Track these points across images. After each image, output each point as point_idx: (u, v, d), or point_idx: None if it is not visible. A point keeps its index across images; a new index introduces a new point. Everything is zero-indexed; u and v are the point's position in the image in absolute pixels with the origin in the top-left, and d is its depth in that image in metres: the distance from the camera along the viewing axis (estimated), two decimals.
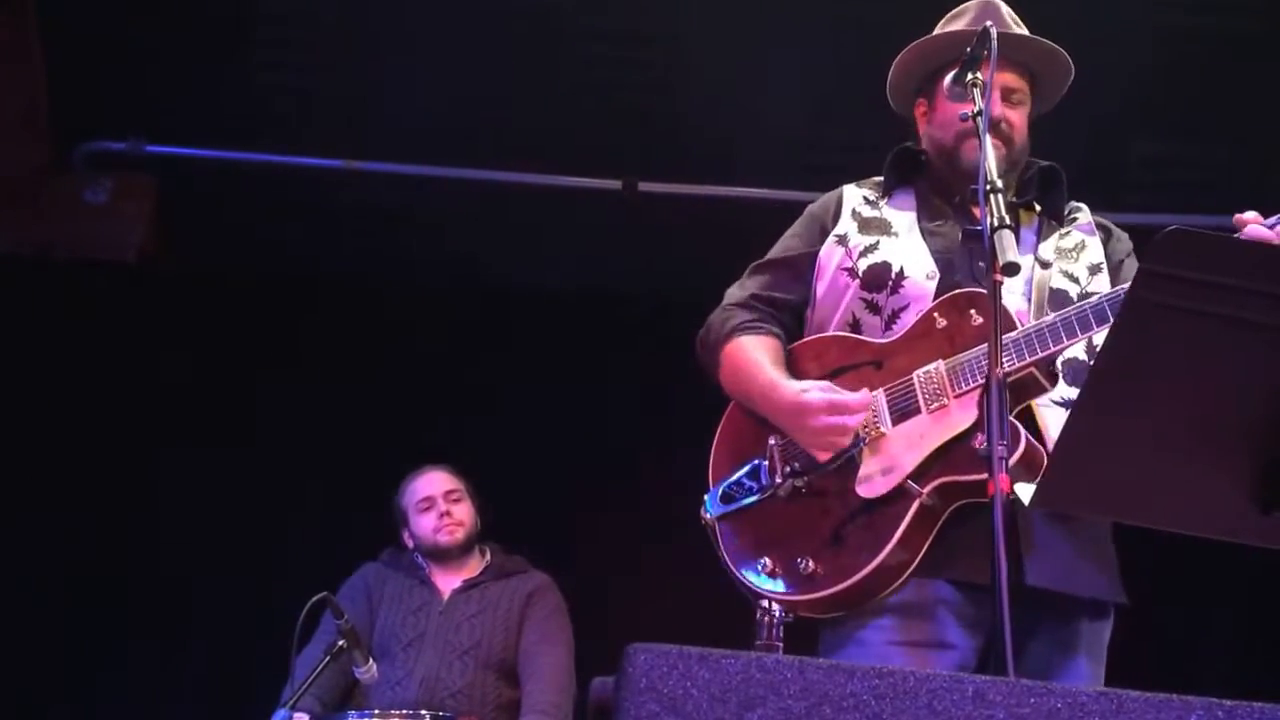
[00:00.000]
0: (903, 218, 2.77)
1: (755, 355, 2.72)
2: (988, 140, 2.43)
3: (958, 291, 2.60)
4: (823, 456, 2.56)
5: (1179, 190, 5.09)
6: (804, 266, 2.81)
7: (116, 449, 5.40)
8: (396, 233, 5.58)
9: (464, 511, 4.48)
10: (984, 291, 2.50)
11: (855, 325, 2.69)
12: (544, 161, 5.33)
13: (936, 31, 2.83)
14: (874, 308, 2.67)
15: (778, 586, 2.52)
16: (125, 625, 5.22)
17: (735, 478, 2.65)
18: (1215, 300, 1.76)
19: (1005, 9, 2.82)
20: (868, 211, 2.80)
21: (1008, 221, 2.32)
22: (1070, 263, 2.71)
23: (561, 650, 4.33)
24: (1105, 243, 2.78)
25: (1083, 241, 2.75)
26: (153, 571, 5.24)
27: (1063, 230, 2.77)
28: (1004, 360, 2.39)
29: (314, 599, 3.76)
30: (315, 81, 5.05)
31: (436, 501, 4.45)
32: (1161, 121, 4.91)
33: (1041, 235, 2.75)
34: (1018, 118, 2.76)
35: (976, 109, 2.48)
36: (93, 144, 5.35)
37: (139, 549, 5.29)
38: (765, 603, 2.43)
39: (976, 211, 2.70)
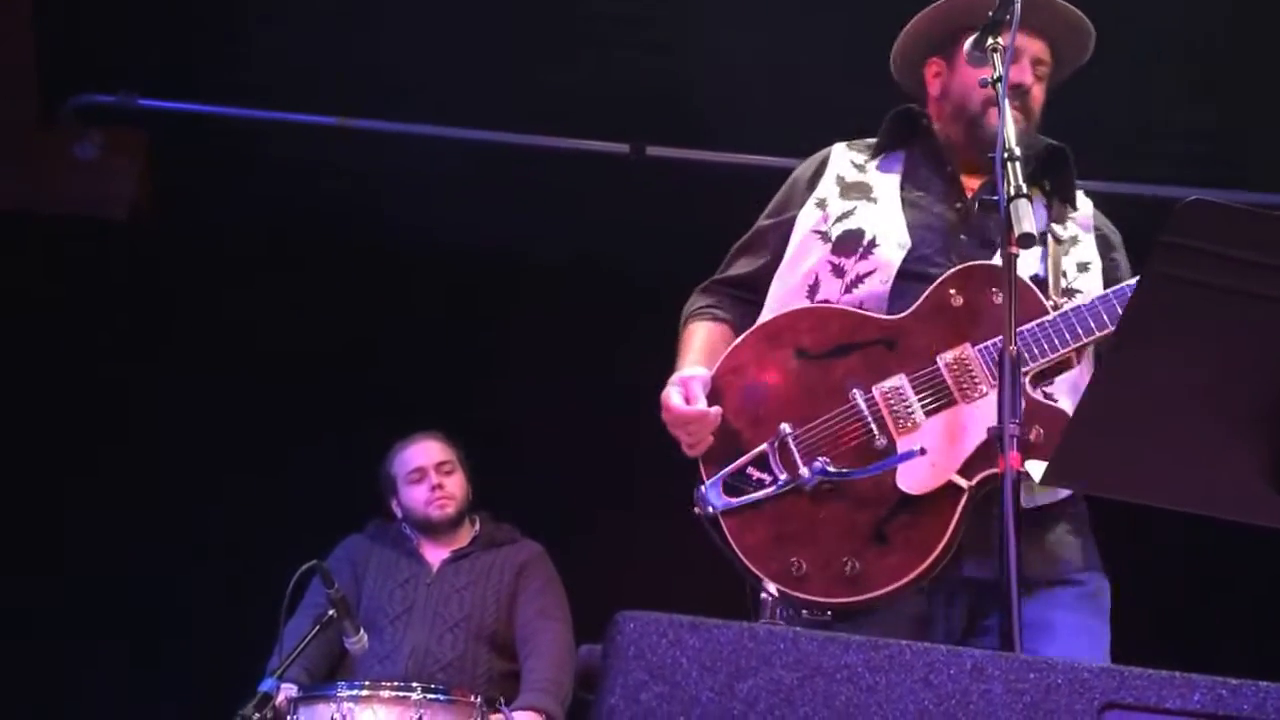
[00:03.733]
0: (886, 182, 2.72)
1: (691, 341, 2.75)
2: (1007, 107, 2.38)
3: (972, 264, 2.54)
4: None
5: (1203, 163, 5.04)
6: (776, 234, 2.77)
7: (105, 410, 5.37)
8: (394, 194, 5.52)
9: (456, 484, 4.43)
10: (999, 265, 2.43)
11: (814, 287, 2.62)
12: (549, 124, 5.26)
13: None
14: (838, 271, 2.61)
15: (816, 589, 2.42)
16: (114, 596, 5.19)
17: (738, 467, 2.52)
18: (1235, 274, 1.71)
19: None
20: (852, 175, 2.75)
21: (1025, 191, 2.28)
22: (1063, 253, 2.66)
23: (560, 625, 4.30)
24: (1100, 243, 2.72)
25: (1076, 236, 2.70)
26: (134, 538, 5.21)
27: (1070, 215, 2.71)
28: (1046, 345, 2.40)
29: (304, 567, 3.73)
30: (312, 37, 4.95)
31: (428, 473, 4.40)
32: (1187, 94, 4.86)
33: (1052, 215, 2.69)
34: (1040, 92, 2.70)
35: (996, 74, 2.43)
36: (83, 97, 5.27)
37: (121, 514, 5.25)
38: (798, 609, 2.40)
39: (966, 181, 2.69)
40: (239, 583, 4.99)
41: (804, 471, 2.45)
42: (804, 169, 2.84)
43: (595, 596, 2.86)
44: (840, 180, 2.74)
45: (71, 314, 5.40)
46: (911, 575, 2.38)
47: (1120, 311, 2.33)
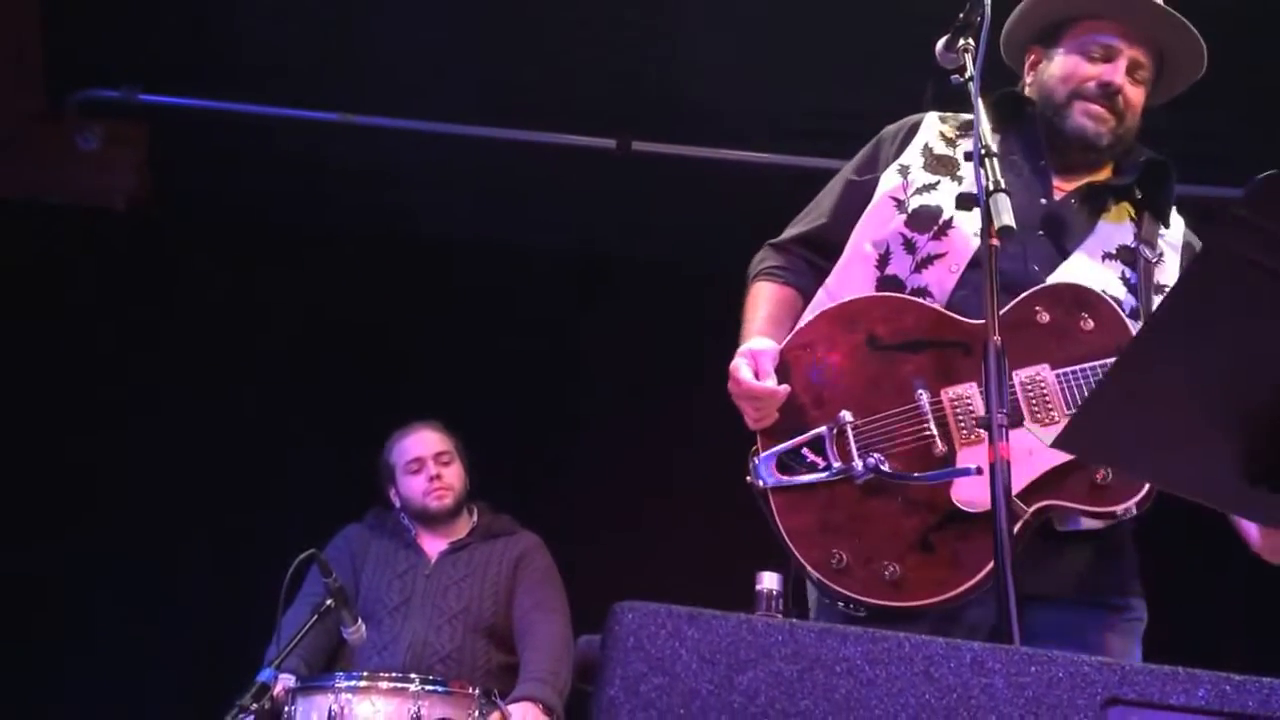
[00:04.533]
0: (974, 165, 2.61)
1: (758, 304, 2.70)
2: (979, 104, 2.35)
3: (1062, 283, 2.47)
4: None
5: (1192, 162, 5.01)
6: (858, 193, 2.70)
7: (103, 398, 5.36)
8: (389, 187, 5.52)
9: (454, 474, 4.41)
10: (1095, 290, 2.42)
11: (885, 258, 2.57)
12: (537, 119, 5.25)
13: None
14: (910, 246, 2.55)
15: (855, 586, 2.36)
16: (109, 582, 5.18)
17: (794, 446, 2.47)
18: None
19: None
20: (940, 148, 2.67)
21: (1003, 186, 2.25)
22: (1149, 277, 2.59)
23: (557, 617, 4.28)
24: (1185, 257, 2.63)
25: (1163, 254, 2.61)
26: (133, 528, 5.19)
27: (1160, 235, 2.63)
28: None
29: (301, 556, 3.71)
30: (312, 34, 4.96)
31: (426, 464, 4.39)
32: (1189, 95, 4.83)
33: (1143, 231, 2.61)
34: (1136, 95, 2.63)
35: (969, 74, 2.40)
36: (86, 91, 5.28)
37: (118, 505, 5.24)
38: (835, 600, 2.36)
39: (1057, 181, 2.63)
40: (237, 572, 4.98)
41: (858, 464, 2.40)
42: (892, 131, 2.77)
43: (595, 587, 2.85)
44: (927, 150, 2.67)
45: (70, 303, 5.39)
46: (955, 592, 2.33)
47: None
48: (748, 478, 2.51)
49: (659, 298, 2.63)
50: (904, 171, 2.65)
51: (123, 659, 5.12)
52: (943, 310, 2.49)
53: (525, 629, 4.24)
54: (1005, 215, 2.21)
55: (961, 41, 2.44)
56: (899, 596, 2.35)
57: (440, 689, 3.74)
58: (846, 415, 2.45)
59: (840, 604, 2.39)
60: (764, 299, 2.72)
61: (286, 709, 3.68)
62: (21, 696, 5.07)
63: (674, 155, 5.28)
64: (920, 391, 2.44)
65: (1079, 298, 2.44)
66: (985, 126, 2.32)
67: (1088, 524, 2.41)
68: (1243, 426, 1.79)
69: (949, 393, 2.43)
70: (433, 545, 4.38)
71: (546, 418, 5.44)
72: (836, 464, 2.43)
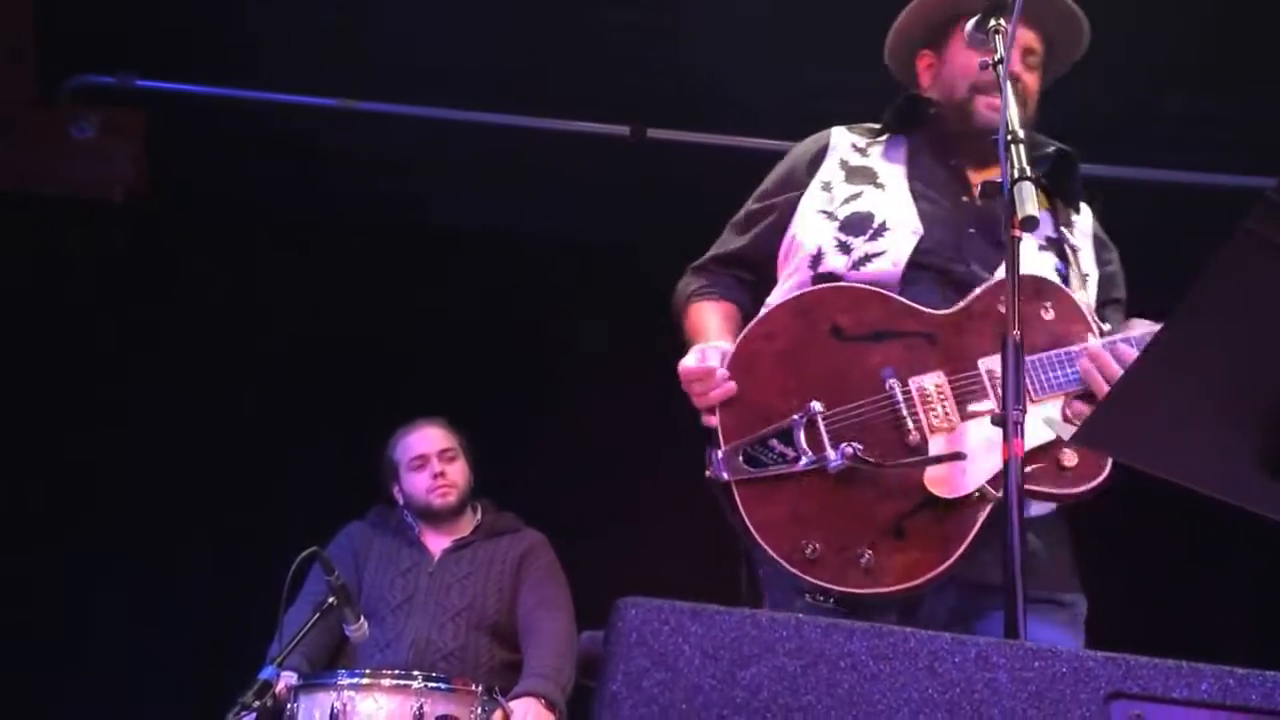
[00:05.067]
0: (892, 170, 2.69)
1: (702, 321, 2.75)
2: (1008, 88, 2.35)
3: (1024, 275, 2.43)
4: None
5: (1209, 148, 5.01)
6: (777, 212, 2.75)
7: (101, 392, 5.36)
8: (394, 175, 5.49)
9: (458, 472, 4.41)
10: (1054, 281, 2.47)
11: (818, 258, 2.59)
12: (550, 106, 5.23)
13: None
14: (844, 248, 2.58)
15: (827, 574, 2.36)
16: (110, 581, 5.17)
17: (762, 438, 2.45)
18: None
19: None
20: (855, 160, 2.73)
21: (1029, 173, 2.25)
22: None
23: (561, 614, 4.27)
24: (1097, 252, 2.70)
25: (1079, 246, 2.66)
26: (133, 528, 5.19)
27: (1073, 222, 2.69)
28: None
29: (303, 554, 3.71)
30: (314, 17, 4.92)
31: (430, 460, 4.39)
32: (1193, 78, 4.83)
33: (1060, 220, 2.66)
34: (1033, 81, 2.70)
35: (998, 56, 2.40)
36: (81, 78, 5.24)
37: (118, 505, 5.24)
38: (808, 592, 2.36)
39: (971, 176, 2.67)
40: (237, 572, 4.97)
41: (830, 454, 2.40)
42: (803, 150, 2.81)
43: (598, 583, 2.85)
44: (844, 164, 2.72)
45: (66, 297, 5.37)
46: (927, 576, 2.34)
47: None
48: (707, 472, 2.49)
49: (673, 286, 2.64)
50: (827, 187, 2.69)
51: (123, 659, 5.12)
52: (907, 301, 2.51)
53: (529, 626, 4.23)
54: (1029, 205, 2.21)
55: (993, 22, 2.44)
56: (871, 583, 2.36)
57: (443, 686, 3.73)
58: (817, 405, 2.45)
59: (808, 595, 2.39)
60: (709, 313, 2.77)
61: (289, 706, 3.68)
62: (21, 696, 5.06)
63: (689, 142, 5.27)
64: (891, 381, 2.45)
65: (1039, 288, 2.47)
66: (1012, 111, 2.33)
67: (1036, 509, 2.43)
68: (1265, 420, 1.78)
69: (918, 382, 2.45)
70: (436, 543, 4.38)
71: (552, 412, 5.43)
72: (808, 455, 2.42)
